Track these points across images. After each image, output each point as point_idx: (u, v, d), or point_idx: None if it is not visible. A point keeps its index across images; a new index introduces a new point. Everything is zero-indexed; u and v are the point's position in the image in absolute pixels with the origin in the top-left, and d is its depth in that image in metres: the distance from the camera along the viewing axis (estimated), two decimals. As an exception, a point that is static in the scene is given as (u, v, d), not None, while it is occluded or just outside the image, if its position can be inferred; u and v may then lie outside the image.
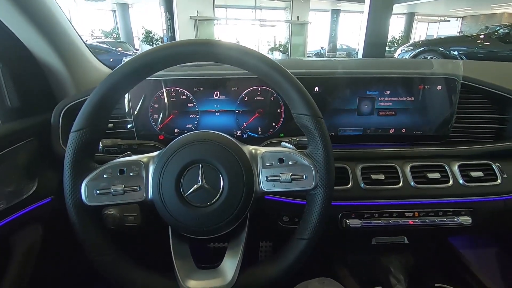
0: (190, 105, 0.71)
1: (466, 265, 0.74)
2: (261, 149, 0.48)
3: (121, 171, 0.44)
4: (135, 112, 0.69)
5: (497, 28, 5.48)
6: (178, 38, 10.35)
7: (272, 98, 0.71)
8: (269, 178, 0.46)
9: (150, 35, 12.06)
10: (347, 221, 0.67)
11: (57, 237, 0.67)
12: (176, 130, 0.72)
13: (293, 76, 0.45)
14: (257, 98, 0.71)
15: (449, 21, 17.94)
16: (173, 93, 0.70)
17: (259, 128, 0.73)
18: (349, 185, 0.66)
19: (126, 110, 0.70)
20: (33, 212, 0.61)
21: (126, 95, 0.68)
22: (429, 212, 0.68)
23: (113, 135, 0.70)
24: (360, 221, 0.67)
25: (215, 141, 0.46)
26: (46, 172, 0.66)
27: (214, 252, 0.94)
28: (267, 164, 0.46)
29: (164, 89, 0.69)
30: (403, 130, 0.74)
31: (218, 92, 0.70)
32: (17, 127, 0.62)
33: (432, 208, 0.67)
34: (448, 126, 0.73)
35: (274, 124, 0.73)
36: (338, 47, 14.21)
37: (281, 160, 0.46)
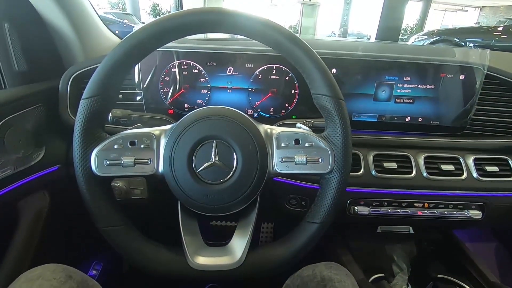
0: (202, 80, 0.68)
1: (470, 257, 0.74)
2: (277, 129, 0.46)
3: (132, 143, 0.43)
4: (145, 84, 0.67)
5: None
6: (185, 13, 10.02)
7: (287, 78, 0.68)
8: (283, 159, 0.44)
9: (157, 8, 11.74)
10: (356, 207, 0.66)
11: (64, 205, 0.67)
12: (186, 105, 0.70)
13: (315, 53, 0.43)
14: (272, 77, 0.68)
15: (466, 10, 17.28)
16: (185, 66, 0.67)
17: (271, 108, 0.71)
18: (360, 172, 0.65)
19: (136, 81, 0.67)
20: (41, 179, 0.60)
21: (136, 66, 0.66)
22: (439, 204, 0.67)
23: (122, 106, 0.68)
24: (369, 209, 0.66)
25: (230, 118, 0.44)
26: (54, 140, 0.65)
27: (218, 230, 0.94)
28: (282, 145, 0.45)
29: (176, 62, 0.66)
30: (420, 119, 0.72)
31: (232, 68, 0.68)
32: (24, 92, 0.60)
33: (442, 200, 0.66)
34: (467, 118, 0.71)
35: (287, 105, 0.70)
36: (349, 32, 13.79)
37: (297, 142, 0.44)
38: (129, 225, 0.45)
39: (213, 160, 0.42)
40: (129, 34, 0.41)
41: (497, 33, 5.27)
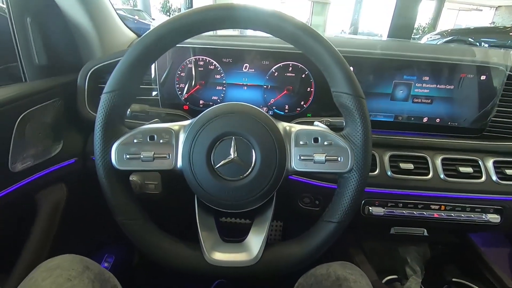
0: (218, 76, 0.68)
1: (486, 262, 0.73)
2: (296, 127, 0.45)
3: (151, 138, 0.43)
4: (161, 80, 0.68)
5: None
6: (195, 10, 10.04)
7: (303, 76, 0.68)
8: (301, 157, 0.44)
9: (168, 4, 11.80)
10: (370, 208, 0.65)
11: (79, 197, 0.68)
12: (201, 102, 0.70)
13: (337, 50, 0.42)
14: (288, 74, 0.68)
15: (481, 10, 16.87)
16: (201, 63, 0.67)
17: (287, 106, 0.70)
18: (375, 172, 0.64)
19: (152, 77, 0.68)
20: (58, 172, 0.61)
21: (153, 61, 0.66)
22: (456, 207, 0.65)
23: (138, 101, 0.69)
24: (383, 210, 0.65)
25: (250, 114, 0.44)
26: (71, 133, 0.66)
27: (229, 227, 0.95)
28: (301, 143, 0.44)
29: (192, 58, 0.67)
30: (438, 120, 0.71)
31: (248, 65, 0.67)
32: (43, 85, 0.61)
33: (459, 203, 0.65)
34: (487, 120, 0.69)
35: (302, 103, 0.70)
36: (359, 31, 13.63)
37: (316, 140, 0.44)
38: (147, 219, 0.45)
39: (232, 156, 0.42)
40: (151, 30, 0.41)
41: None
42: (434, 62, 0.66)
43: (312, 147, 0.44)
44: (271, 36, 0.43)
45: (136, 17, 7.95)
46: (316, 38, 0.41)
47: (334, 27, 13.60)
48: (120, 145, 0.42)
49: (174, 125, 0.45)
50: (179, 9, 11.23)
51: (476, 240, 0.83)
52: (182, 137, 0.44)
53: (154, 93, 0.69)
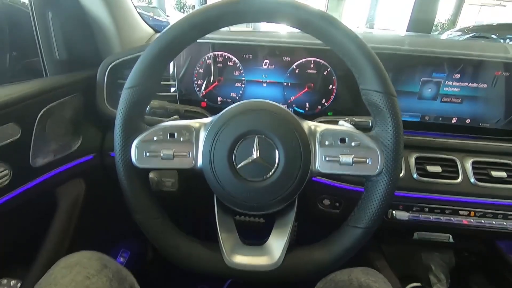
0: (237, 72, 0.66)
1: None
2: (321, 126, 0.43)
3: (172, 135, 0.42)
4: (180, 76, 0.67)
5: None
6: (209, 6, 10.05)
7: (325, 73, 0.65)
8: (327, 158, 0.42)
9: (182, 1, 11.87)
10: (394, 212, 0.62)
11: (97, 193, 0.68)
12: (219, 98, 0.69)
13: (368, 46, 0.39)
14: (309, 71, 0.65)
15: (505, 6, 16.14)
16: (220, 59, 0.66)
17: (307, 104, 0.68)
18: (401, 174, 0.61)
19: (171, 73, 0.67)
20: (77, 168, 0.61)
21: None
22: (487, 213, 0.62)
23: (156, 97, 0.68)
24: (408, 214, 0.62)
25: (273, 112, 0.42)
26: (90, 129, 0.65)
27: (242, 225, 0.93)
28: (326, 143, 0.42)
29: (211, 53, 0.65)
30: (468, 121, 0.67)
31: (268, 61, 0.65)
32: (64, 81, 0.61)
33: (491, 209, 0.61)
34: (522, 121, 0.65)
35: (323, 101, 0.67)
36: (376, 28, 13.34)
37: (342, 140, 0.42)
38: (166, 218, 0.44)
39: (255, 156, 0.40)
40: (171, 25, 0.40)
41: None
42: (467, 59, 0.62)
43: (338, 148, 0.42)
44: (293, 31, 0.41)
45: (151, 14, 8.02)
46: (346, 32, 0.39)
47: (350, 23, 13.36)
48: (141, 142, 0.41)
49: (195, 123, 0.43)
50: (193, 6, 11.28)
51: (508, 248, 0.78)
52: (202, 135, 0.42)
53: (172, 89, 0.68)
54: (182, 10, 12.00)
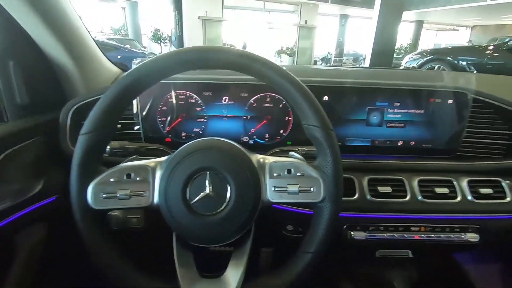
0: (198, 109, 0.70)
1: (471, 281, 0.73)
2: (270, 159, 0.47)
3: (128, 176, 0.44)
4: (143, 114, 0.69)
5: (507, 40, 5.42)
6: (186, 37, 10.38)
7: (281, 106, 0.71)
8: (276, 189, 0.45)
9: (159, 33, 12.13)
10: (352, 233, 0.66)
11: (61, 236, 0.67)
12: (183, 134, 0.72)
13: (304, 86, 0.45)
14: (266, 104, 0.71)
15: (457, 30, 17.83)
16: (182, 97, 0.70)
17: (267, 135, 0.73)
18: (355, 197, 0.66)
19: (134, 112, 0.70)
20: (38, 211, 0.61)
21: (135, 97, 0.68)
22: (436, 228, 0.67)
23: (120, 136, 0.70)
24: (365, 234, 0.66)
25: (222, 149, 0.45)
26: (52, 170, 0.66)
27: (215, 255, 0.93)
28: (275, 175, 0.46)
29: (173, 92, 0.69)
30: (412, 143, 0.74)
31: (227, 97, 0.70)
32: (25, 125, 0.62)
33: (438, 224, 0.66)
34: (458, 141, 0.72)
35: (281, 131, 0.72)
36: (345, 52, 14.18)
37: (289, 171, 0.46)
38: (124, 258, 0.45)
39: (207, 191, 0.43)
40: (127, 72, 0.43)
41: (489, 52, 5.42)
42: (403, 88, 0.70)
43: (285, 179, 0.45)
44: None
45: (128, 46, 8.13)
46: (284, 75, 0.44)
47: (321, 49, 14.14)
48: (97, 185, 0.43)
49: (151, 162, 0.46)
50: (170, 37, 11.55)
51: (463, 258, 0.83)
52: (158, 173, 0.45)
53: (136, 127, 0.71)
54: (159, 42, 12.23)
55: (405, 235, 0.66)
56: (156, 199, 0.44)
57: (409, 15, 13.00)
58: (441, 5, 11.05)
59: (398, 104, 0.71)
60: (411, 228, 0.67)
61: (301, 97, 0.44)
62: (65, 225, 0.65)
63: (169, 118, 0.71)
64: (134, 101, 0.69)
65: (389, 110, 0.71)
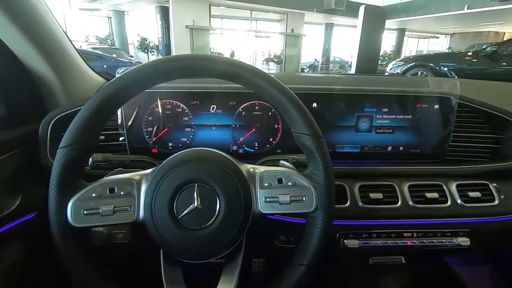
0: (186, 118, 0.69)
1: (463, 284, 0.73)
2: (260, 168, 0.46)
3: (111, 190, 0.42)
4: (128, 124, 0.67)
5: (484, 46, 5.66)
6: (173, 46, 10.37)
7: (270, 113, 0.70)
8: (267, 199, 0.44)
9: (146, 42, 12.07)
10: (345, 241, 0.65)
11: (41, 256, 0.63)
12: (170, 144, 0.70)
13: (293, 94, 0.44)
14: (255, 113, 0.70)
15: (438, 37, 18.53)
16: (168, 106, 0.68)
17: (256, 144, 0.71)
18: (347, 204, 0.65)
19: (119, 122, 0.67)
20: (15, 229, 0.57)
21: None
22: (428, 233, 0.67)
23: (105, 147, 0.67)
24: (358, 241, 0.65)
25: (211, 160, 0.44)
26: (31, 186, 0.62)
27: (207, 269, 0.90)
28: (266, 185, 0.44)
29: (159, 102, 0.67)
30: (401, 148, 0.74)
31: (215, 106, 0.69)
32: (3, 137, 0.59)
33: (430, 229, 0.66)
34: (445, 145, 0.73)
35: (271, 139, 0.71)
36: (331, 59, 14.47)
37: (280, 181, 0.44)
38: (106, 278, 0.42)
39: (195, 204, 0.41)
40: (109, 82, 0.41)
41: (468, 58, 5.65)
42: (391, 95, 0.70)
43: (276, 188, 0.44)
44: None
45: (114, 55, 8.04)
46: (273, 83, 0.43)
47: (308, 57, 14.39)
48: (77, 201, 0.40)
49: (136, 175, 0.44)
50: (157, 46, 11.51)
51: (454, 261, 0.83)
52: (144, 187, 0.43)
53: (121, 138, 0.68)
54: (146, 51, 12.17)
55: (398, 241, 0.65)
56: (141, 214, 0.42)
57: (392, 24, 13.46)
58: (421, 13, 11.49)
59: (386, 110, 0.71)
60: (404, 234, 0.66)
61: (289, 104, 0.43)
62: (44, 244, 0.61)
63: (155, 128, 0.69)
64: (119, 111, 0.67)
65: (377, 116, 0.71)
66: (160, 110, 0.68)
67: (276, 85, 0.43)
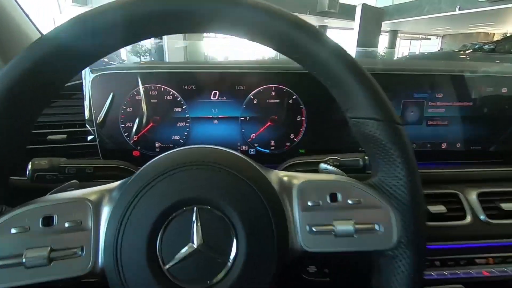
0: (178, 109, 0.51)
1: None
2: (298, 177, 0.28)
3: (47, 221, 0.24)
4: (100, 119, 0.49)
5: (477, 46, 5.65)
6: (166, 50, 10.17)
7: (291, 101, 0.52)
8: (314, 229, 0.26)
9: (138, 45, 11.89)
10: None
11: None
12: (157, 144, 0.52)
13: (358, 63, 0.27)
14: (270, 100, 0.52)
15: (429, 39, 18.73)
16: (154, 92, 0.50)
17: (272, 142, 0.54)
18: None
19: (87, 115, 0.49)
20: None
21: (86, 94, 0.48)
22: (507, 258, 0.50)
23: (65, 150, 0.49)
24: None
25: (219, 164, 0.26)
26: None
27: None
28: (310, 204, 0.27)
29: (141, 87, 0.49)
30: (458, 145, 0.57)
31: (217, 92, 0.51)
32: None
33: (510, 252, 0.49)
34: (516, 140, 0.57)
35: (292, 136, 0.54)
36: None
37: (334, 197, 0.27)
38: None
39: (195, 244, 0.23)
40: (46, 33, 0.23)
41: (463, 57, 5.61)
42: (447, 75, 0.54)
43: (329, 211, 0.27)
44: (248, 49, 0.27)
45: (104, 58, 7.81)
46: (329, 46, 0.26)
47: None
48: None
49: (91, 193, 0.26)
50: (150, 50, 11.30)
51: None
52: (105, 213, 0.25)
53: (89, 137, 0.50)
54: (138, 55, 11.97)
55: (471, 271, 0.48)
56: (100, 260, 0.24)
57: (384, 26, 13.50)
58: (414, 15, 11.56)
59: (440, 95, 0.55)
60: (476, 260, 0.49)
61: (352, 77, 0.26)
62: None
63: (136, 123, 0.51)
64: (85, 101, 0.49)
65: (430, 103, 0.55)
66: (143, 98, 0.50)
67: (331, 47, 0.26)
